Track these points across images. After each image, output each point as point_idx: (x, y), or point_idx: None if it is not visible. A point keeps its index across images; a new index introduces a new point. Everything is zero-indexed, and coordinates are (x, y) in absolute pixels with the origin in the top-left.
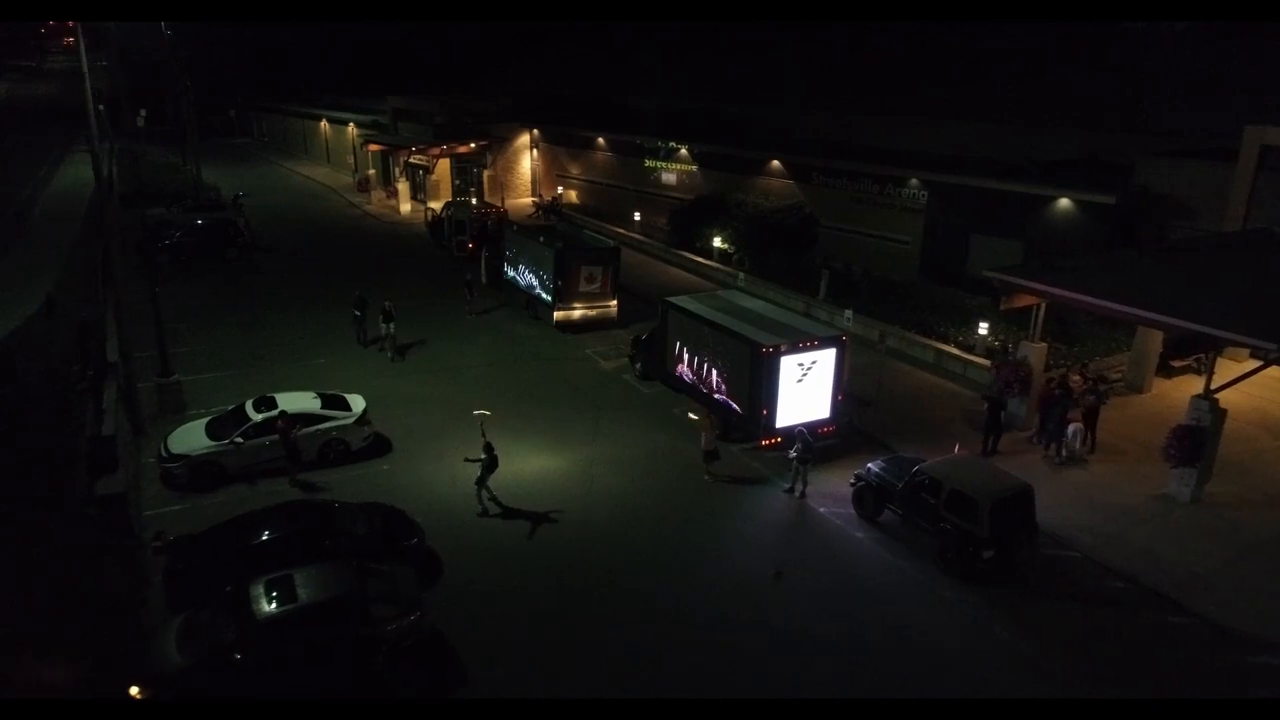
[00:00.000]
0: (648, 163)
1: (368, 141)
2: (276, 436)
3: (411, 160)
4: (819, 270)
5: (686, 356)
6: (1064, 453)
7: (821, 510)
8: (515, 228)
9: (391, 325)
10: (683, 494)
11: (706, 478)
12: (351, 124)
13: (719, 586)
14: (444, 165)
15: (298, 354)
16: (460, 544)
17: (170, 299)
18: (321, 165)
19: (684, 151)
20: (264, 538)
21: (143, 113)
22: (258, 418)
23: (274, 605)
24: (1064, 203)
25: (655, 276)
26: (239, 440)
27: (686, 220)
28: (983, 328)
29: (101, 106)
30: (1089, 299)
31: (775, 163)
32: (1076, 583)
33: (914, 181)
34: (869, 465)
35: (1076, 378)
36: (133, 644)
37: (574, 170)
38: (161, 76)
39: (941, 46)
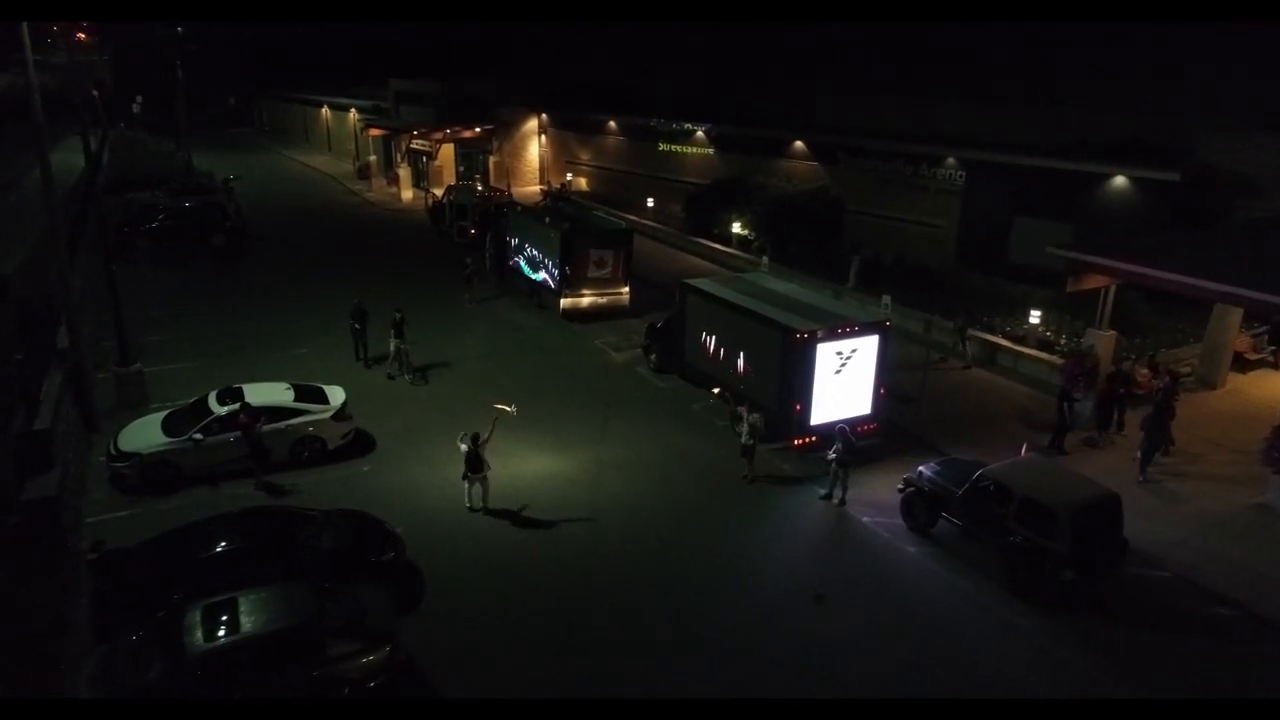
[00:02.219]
0: (661, 146)
1: (368, 126)
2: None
3: (413, 146)
4: (848, 256)
5: (708, 346)
6: (1136, 455)
7: (865, 520)
8: (519, 209)
9: (404, 341)
10: (703, 501)
11: (745, 475)
12: (353, 110)
13: (749, 613)
14: (448, 151)
15: (279, 344)
16: (447, 559)
17: (145, 285)
18: (322, 154)
19: (700, 134)
20: (208, 553)
21: (138, 99)
22: (221, 411)
23: (211, 637)
24: (1120, 181)
25: (670, 264)
26: (198, 437)
27: (704, 205)
28: (1034, 316)
29: (96, 92)
30: (1181, 277)
31: (798, 143)
32: (1172, 609)
33: (950, 161)
34: (920, 469)
35: (1145, 371)
36: (44, 681)
37: (584, 156)
38: (159, 65)
39: (964, 27)
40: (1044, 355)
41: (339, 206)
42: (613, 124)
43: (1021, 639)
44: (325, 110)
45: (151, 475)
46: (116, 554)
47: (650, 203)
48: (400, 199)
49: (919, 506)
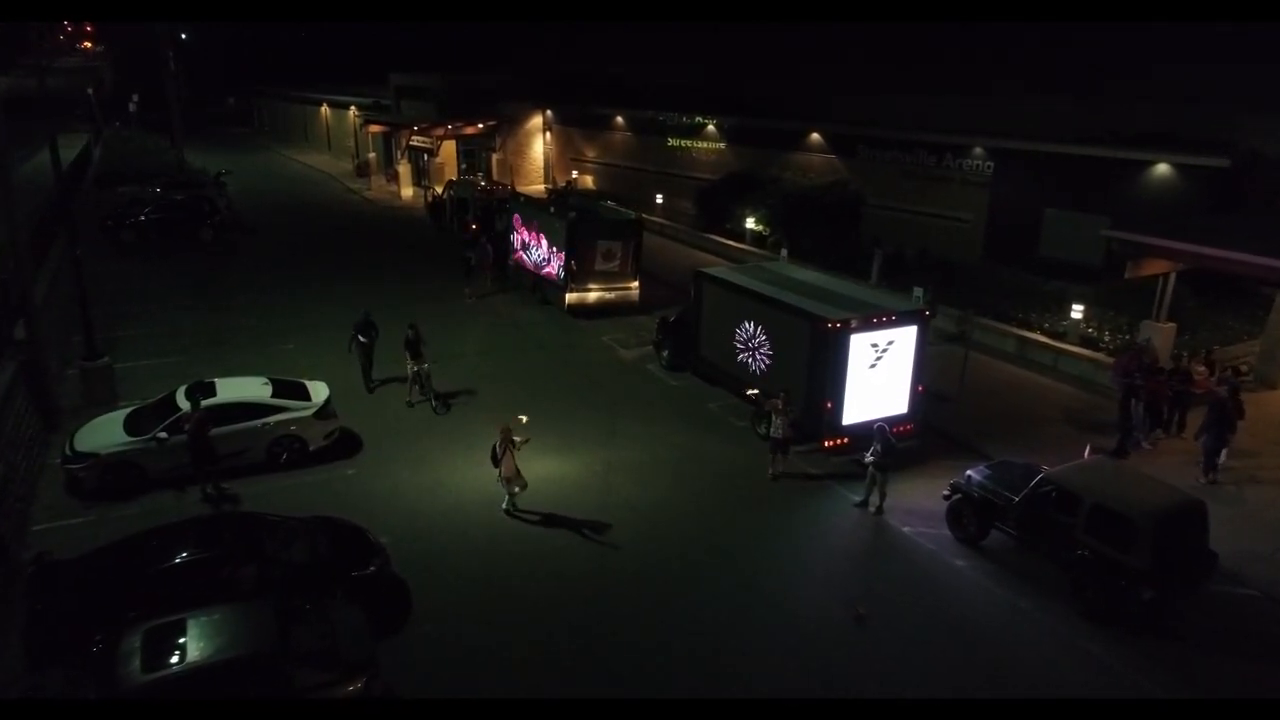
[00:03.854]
0: (671, 141)
1: (368, 122)
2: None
3: (414, 143)
4: (868, 250)
5: (727, 340)
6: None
7: (906, 530)
8: (523, 199)
9: (423, 362)
10: (723, 509)
11: (770, 474)
12: (353, 107)
13: (780, 636)
14: (449, 148)
15: (265, 339)
16: (438, 574)
17: (127, 278)
18: (322, 153)
19: (711, 128)
20: (161, 566)
21: (135, 98)
22: (189, 407)
23: (152, 666)
24: (1161, 169)
25: (681, 261)
26: (163, 435)
27: (715, 200)
28: (1076, 311)
29: (91, 91)
30: (1258, 259)
31: (814, 135)
32: (1266, 634)
33: (978, 151)
34: (969, 473)
35: (1202, 369)
36: None
37: (590, 153)
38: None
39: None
40: (1088, 352)
41: (336, 204)
42: (620, 119)
43: (1091, 666)
44: (325, 109)
45: (110, 478)
46: (58, 567)
47: (659, 199)
48: (400, 196)
49: (968, 515)
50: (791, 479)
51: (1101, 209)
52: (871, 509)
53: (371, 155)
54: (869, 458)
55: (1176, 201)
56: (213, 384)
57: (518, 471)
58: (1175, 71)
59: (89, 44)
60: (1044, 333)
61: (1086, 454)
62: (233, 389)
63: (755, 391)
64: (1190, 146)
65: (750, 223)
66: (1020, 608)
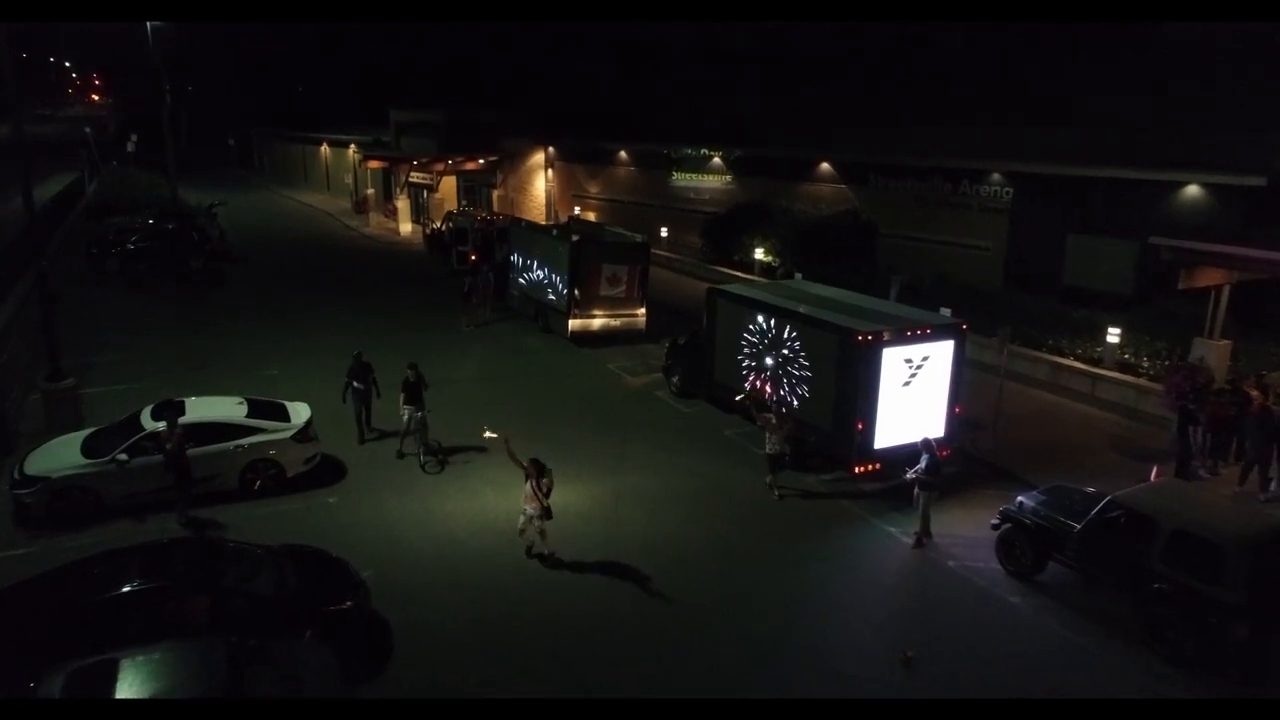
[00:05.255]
0: (675, 175)
1: (367, 157)
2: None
3: (413, 179)
4: (884, 277)
5: (744, 361)
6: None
7: (950, 564)
8: (524, 224)
9: (420, 409)
10: (746, 541)
11: (775, 494)
12: (352, 145)
13: (819, 689)
14: (449, 183)
15: (248, 365)
16: (425, 612)
17: (109, 305)
18: (321, 192)
19: (716, 159)
20: (97, 598)
21: (133, 138)
22: (158, 426)
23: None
24: (1192, 190)
25: (687, 292)
26: (123, 457)
27: (722, 231)
28: (1113, 334)
29: (88, 129)
30: None
31: (824, 165)
32: None
33: (996, 176)
34: (1020, 499)
35: (1255, 392)
36: None
37: (593, 189)
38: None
39: (990, 45)
40: (1130, 378)
41: (332, 239)
42: (623, 154)
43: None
44: (324, 148)
45: (61, 504)
46: None
47: (664, 232)
48: (398, 232)
49: (1022, 545)
50: (821, 503)
51: (1129, 234)
52: (909, 539)
53: (370, 191)
54: (911, 474)
55: (1209, 223)
56: (182, 403)
57: (538, 502)
58: (1195, 88)
59: (97, 96)
60: (1078, 358)
61: (1153, 476)
62: (204, 408)
63: (743, 396)
64: (1222, 166)
65: (759, 253)
66: (1089, 650)
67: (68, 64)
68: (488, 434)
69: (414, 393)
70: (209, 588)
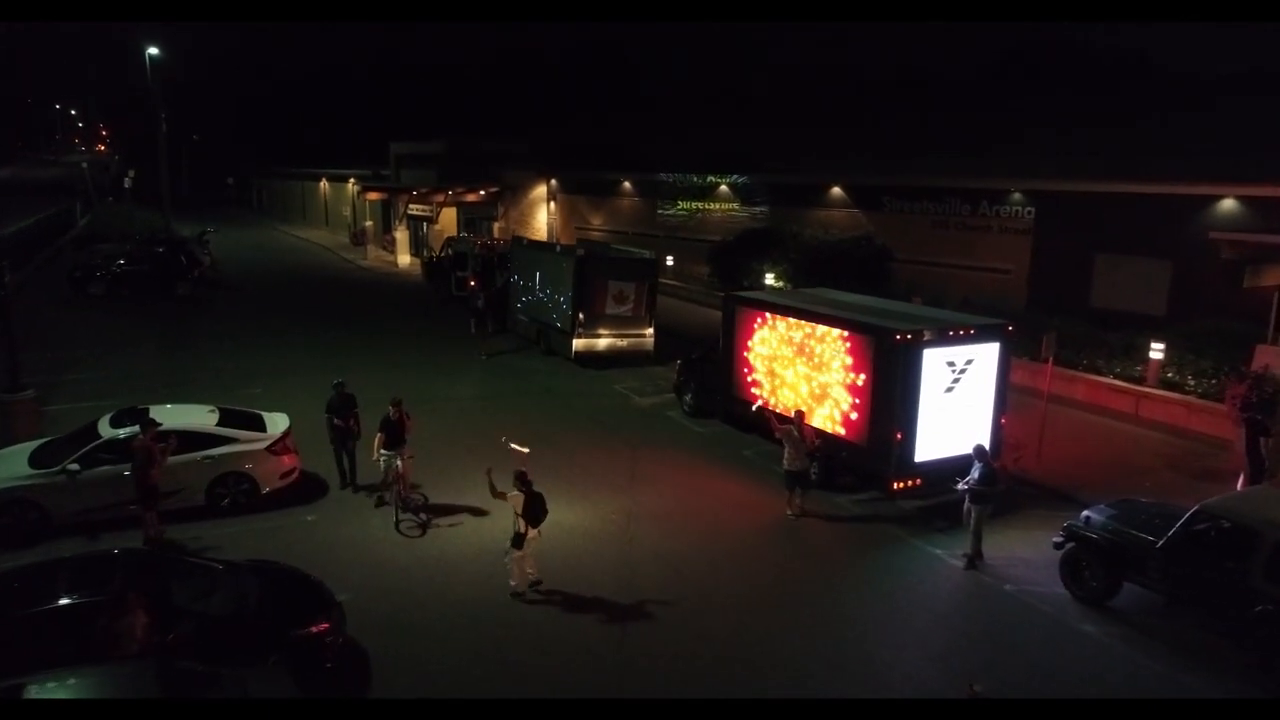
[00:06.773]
0: (680, 204)
1: (365, 189)
2: (131, 464)
3: (413, 210)
4: (904, 299)
5: (766, 373)
6: None
7: (1008, 588)
8: (526, 242)
9: (398, 456)
10: (774, 563)
11: (789, 513)
12: (351, 179)
13: None
14: (449, 215)
15: (229, 383)
16: (408, 640)
17: (84, 326)
18: (320, 228)
19: (723, 187)
20: (19, 614)
21: (130, 174)
22: (117, 434)
23: None
24: (1227, 204)
25: (696, 318)
26: (74, 468)
27: (731, 256)
28: (1156, 349)
29: (85, 165)
30: None
31: (835, 189)
32: None
33: (1017, 196)
34: (1087, 514)
35: None
36: None
37: (596, 220)
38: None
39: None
40: (1178, 396)
41: (327, 270)
42: (627, 184)
43: None
44: (324, 184)
45: (1, 519)
46: None
47: (670, 261)
48: (396, 264)
49: (1092, 566)
50: (857, 526)
51: (1161, 252)
52: (959, 560)
53: (368, 223)
54: (963, 485)
55: None
56: (145, 410)
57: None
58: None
59: (103, 146)
60: (1118, 377)
61: (1240, 483)
62: (170, 416)
63: (759, 404)
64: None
65: (769, 278)
66: (1181, 682)
67: (73, 112)
68: (514, 446)
69: (394, 434)
70: (149, 605)
